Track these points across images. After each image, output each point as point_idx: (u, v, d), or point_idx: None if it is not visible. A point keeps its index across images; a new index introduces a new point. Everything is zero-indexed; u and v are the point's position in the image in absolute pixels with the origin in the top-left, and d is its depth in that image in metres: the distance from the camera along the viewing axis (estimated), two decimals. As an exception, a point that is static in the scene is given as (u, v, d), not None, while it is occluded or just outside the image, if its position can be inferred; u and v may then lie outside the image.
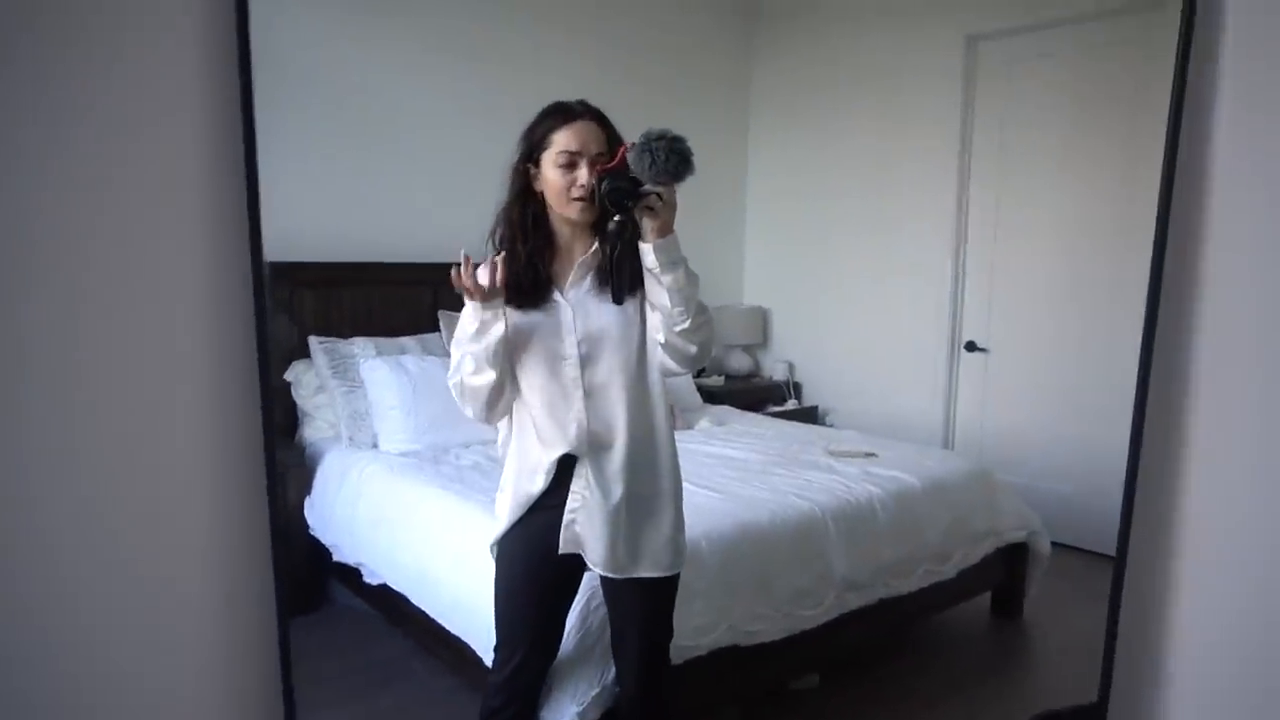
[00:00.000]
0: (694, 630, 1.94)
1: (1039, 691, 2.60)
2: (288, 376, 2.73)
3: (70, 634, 1.12)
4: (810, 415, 3.75)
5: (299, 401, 2.76)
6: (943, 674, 2.61)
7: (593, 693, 1.81)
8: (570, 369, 1.60)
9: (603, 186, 1.45)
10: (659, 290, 1.50)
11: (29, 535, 1.08)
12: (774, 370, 3.94)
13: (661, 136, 1.40)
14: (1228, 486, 1.42)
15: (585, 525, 1.61)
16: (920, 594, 2.51)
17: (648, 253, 1.46)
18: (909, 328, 3.47)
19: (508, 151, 1.64)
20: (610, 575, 1.64)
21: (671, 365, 1.58)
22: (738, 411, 3.46)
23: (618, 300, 1.55)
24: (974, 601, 2.82)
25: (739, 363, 3.93)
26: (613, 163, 1.47)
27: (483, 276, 1.52)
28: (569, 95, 1.61)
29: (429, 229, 2.89)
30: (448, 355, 2.92)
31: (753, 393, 3.79)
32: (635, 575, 1.64)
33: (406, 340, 2.89)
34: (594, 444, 1.60)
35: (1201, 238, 1.41)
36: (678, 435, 1.71)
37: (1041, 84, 3.04)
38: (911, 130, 3.45)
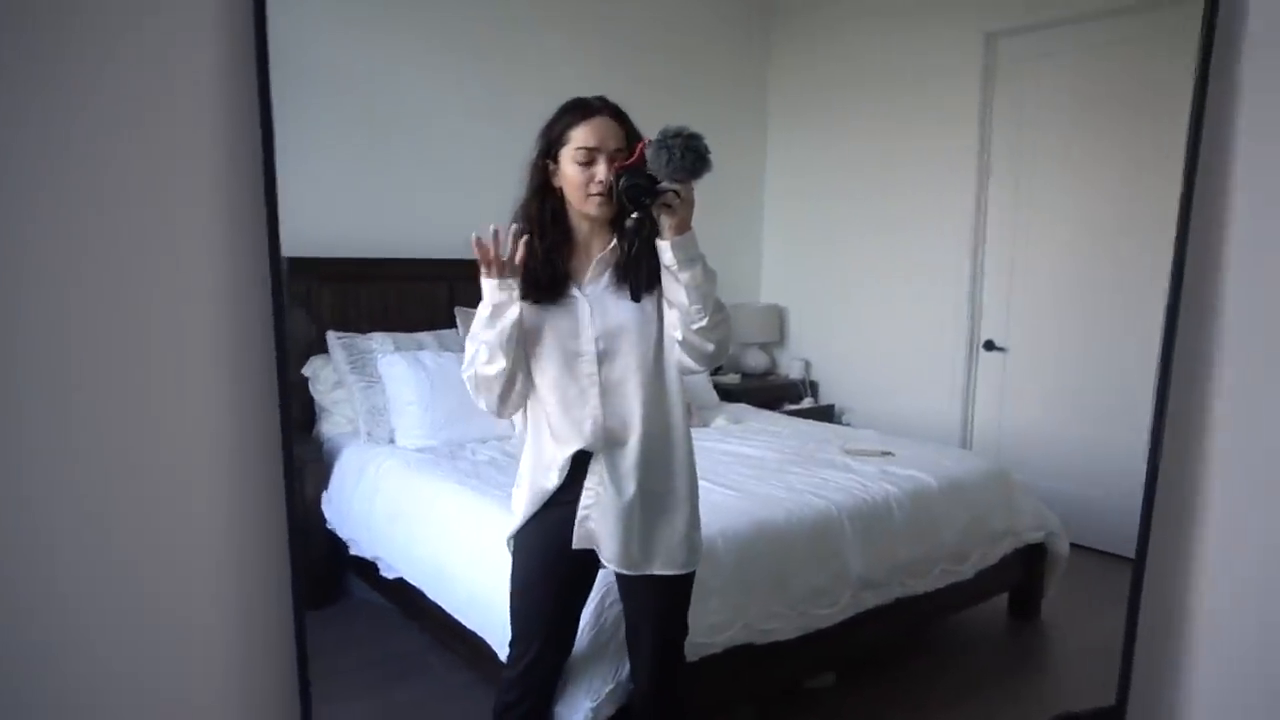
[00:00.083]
0: (709, 628, 1.94)
1: (1056, 693, 2.58)
2: (306, 371, 2.75)
3: (89, 629, 1.12)
4: (827, 414, 3.73)
5: (317, 396, 2.78)
6: (960, 674, 2.60)
7: (607, 689, 1.81)
8: (586, 365, 1.60)
9: (620, 183, 1.45)
10: (676, 287, 1.49)
11: (49, 530, 1.09)
12: (790, 368, 3.92)
13: (679, 134, 1.40)
14: (1248, 488, 1.40)
15: (599, 521, 1.62)
16: (937, 594, 2.50)
17: (665, 250, 1.46)
18: (927, 326, 3.45)
19: (525, 149, 1.64)
20: (624, 571, 1.64)
21: (689, 363, 1.58)
22: (754, 409, 3.45)
23: (636, 297, 1.55)
24: (991, 602, 2.81)
25: (755, 361, 3.91)
26: (631, 159, 1.47)
27: (505, 248, 1.51)
28: (586, 92, 1.61)
29: (446, 225, 2.88)
30: (464, 350, 2.94)
31: (769, 391, 3.78)
32: (649, 572, 1.64)
33: (424, 336, 2.90)
34: (609, 440, 1.60)
35: (1223, 237, 1.40)
36: (694, 433, 1.71)
37: (1061, 82, 3.02)
38: (930, 129, 3.43)
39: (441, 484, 2.39)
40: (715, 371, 3.61)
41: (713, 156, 1.41)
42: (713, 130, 1.42)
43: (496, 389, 1.59)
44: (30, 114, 1.03)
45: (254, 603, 1.19)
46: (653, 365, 1.60)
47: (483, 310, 1.57)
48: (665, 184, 1.42)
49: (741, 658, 2.05)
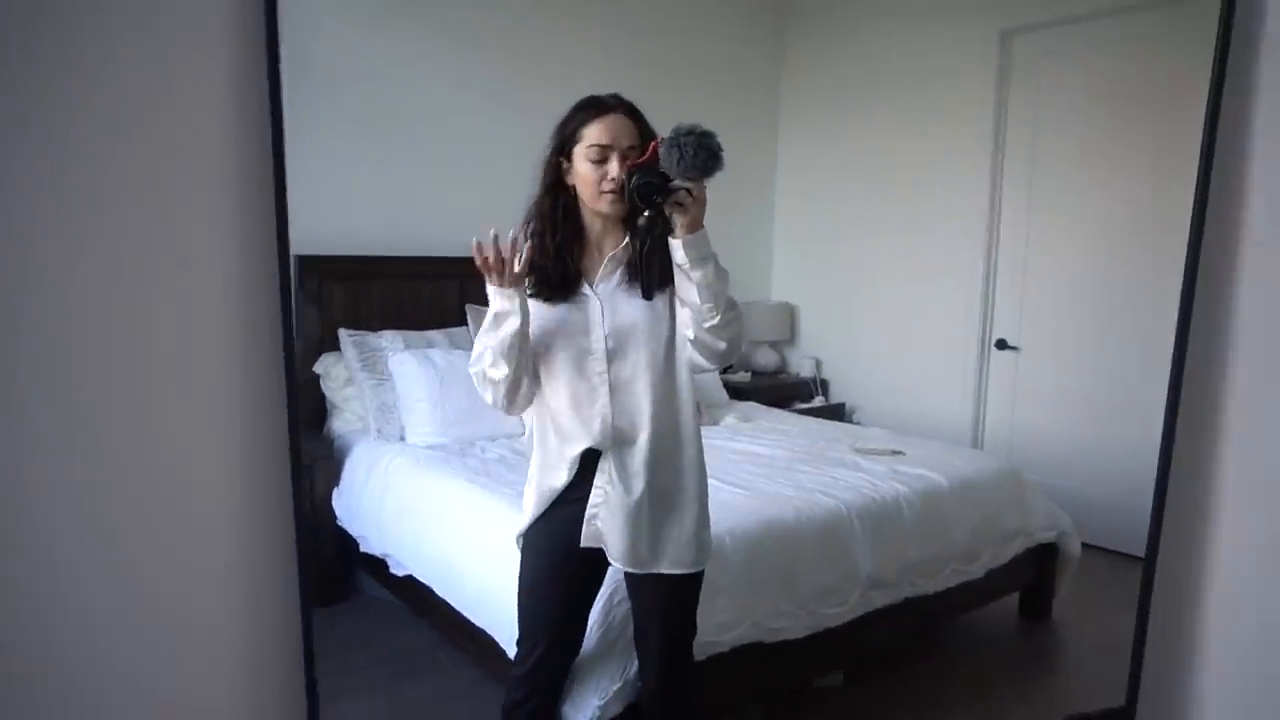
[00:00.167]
0: (717, 626, 1.94)
1: (1068, 693, 2.57)
2: (317, 369, 2.76)
3: (95, 628, 1.13)
4: (837, 412, 3.73)
5: (328, 394, 2.79)
6: (970, 675, 2.59)
7: (614, 687, 1.81)
8: (596, 363, 1.60)
9: (632, 181, 1.44)
10: (689, 286, 1.49)
11: (55, 529, 1.09)
12: (801, 367, 3.92)
13: (691, 132, 1.39)
14: (1260, 489, 1.39)
15: (607, 520, 1.61)
16: (947, 594, 2.49)
17: (677, 248, 1.46)
18: (938, 325, 3.44)
19: (537, 146, 1.64)
20: (631, 570, 1.64)
21: (701, 361, 1.57)
22: (764, 408, 3.45)
23: (648, 296, 1.54)
24: (1002, 602, 2.79)
25: (766, 359, 3.91)
26: (643, 157, 1.46)
27: (506, 253, 1.49)
28: (599, 90, 1.61)
29: (457, 223, 2.88)
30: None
31: (779, 389, 3.77)
32: (657, 571, 1.64)
33: (434, 334, 2.91)
34: (618, 439, 1.60)
35: (1238, 237, 1.38)
36: (703, 431, 1.71)
37: (1076, 81, 3.00)
38: (944, 127, 3.41)
39: (451, 481, 2.40)
40: (725, 370, 3.61)
41: (725, 154, 1.41)
42: (724, 128, 1.42)
43: (502, 390, 1.60)
44: (36, 112, 1.04)
45: (262, 601, 1.19)
46: (663, 364, 1.60)
47: (488, 315, 1.57)
48: (677, 182, 1.41)
49: (750, 656, 2.05)
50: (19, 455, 1.06)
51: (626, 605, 1.81)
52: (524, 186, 1.66)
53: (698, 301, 1.49)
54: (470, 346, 2.95)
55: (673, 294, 1.56)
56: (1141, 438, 1.67)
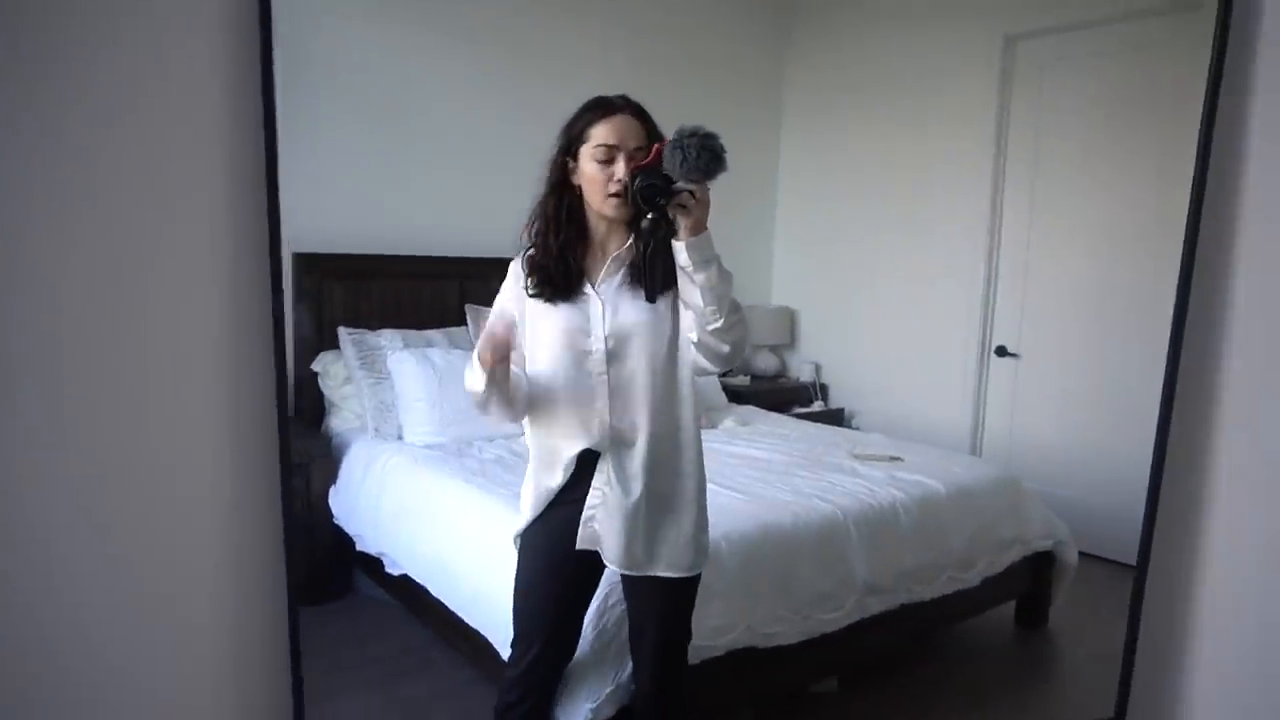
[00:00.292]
0: (711, 630, 1.93)
1: (1063, 702, 2.56)
2: (316, 366, 2.76)
3: (83, 624, 1.12)
4: (837, 417, 3.72)
5: (326, 392, 2.79)
6: (966, 683, 2.58)
7: (607, 690, 1.81)
8: (596, 364, 1.59)
9: (635, 183, 1.44)
10: (692, 289, 1.48)
11: (44, 525, 1.09)
12: (801, 371, 3.91)
13: (694, 133, 1.39)
14: (1254, 498, 1.39)
15: (603, 522, 1.61)
16: (943, 601, 2.48)
17: (680, 250, 1.45)
18: (939, 331, 3.43)
19: (539, 149, 1.64)
20: (627, 572, 1.63)
21: (705, 364, 1.56)
22: (763, 412, 3.44)
23: (650, 298, 1.54)
24: (998, 610, 2.79)
25: (765, 363, 3.90)
26: (647, 159, 1.46)
27: (482, 346, 1.51)
28: (598, 88, 1.61)
29: (458, 223, 2.91)
30: (474, 348, 2.94)
31: (779, 393, 3.77)
32: (653, 573, 1.63)
33: (433, 333, 2.91)
34: (616, 440, 1.60)
35: (1234, 241, 1.38)
36: (701, 434, 1.70)
37: (1080, 86, 2.99)
38: (946, 131, 3.41)
39: (448, 481, 2.40)
40: (725, 373, 3.60)
41: (727, 156, 1.40)
42: (725, 128, 1.41)
43: (502, 420, 1.63)
44: (26, 104, 1.03)
45: (250, 599, 1.19)
46: (664, 366, 1.59)
47: (469, 382, 1.57)
48: (681, 184, 1.41)
49: (744, 661, 2.04)
50: (7, 451, 1.06)
51: (620, 608, 1.80)
52: (526, 187, 1.66)
53: (701, 304, 1.48)
54: (469, 346, 2.94)
55: (675, 296, 1.56)
56: (1141, 446, 1.66)
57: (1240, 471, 1.40)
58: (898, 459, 2.78)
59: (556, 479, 1.62)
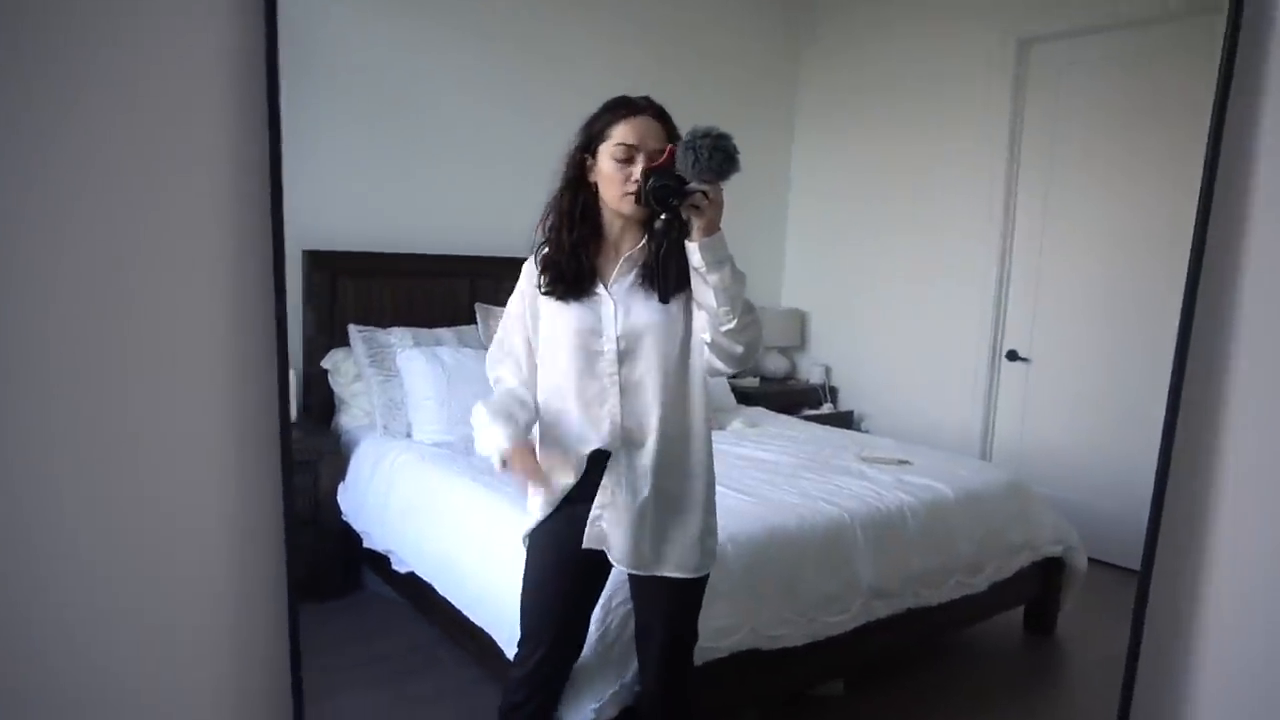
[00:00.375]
0: (716, 632, 1.93)
1: (1071, 708, 2.55)
2: (326, 364, 2.77)
3: (81, 623, 1.12)
4: (846, 420, 3.71)
5: (336, 389, 2.80)
6: (973, 687, 2.57)
7: (610, 690, 1.81)
8: (608, 365, 1.59)
9: (648, 184, 1.44)
10: (705, 289, 1.48)
11: (42, 524, 1.08)
12: (810, 373, 3.90)
13: (707, 134, 1.39)
14: (1261, 502, 1.37)
15: (611, 521, 1.61)
16: (950, 605, 2.48)
17: (694, 251, 1.45)
18: (950, 335, 3.42)
19: (550, 146, 1.65)
20: (634, 571, 1.64)
21: (718, 365, 1.56)
22: (771, 414, 3.44)
23: (664, 299, 1.54)
24: (1006, 615, 2.78)
25: (775, 365, 3.90)
26: (660, 160, 1.46)
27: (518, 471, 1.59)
28: (612, 91, 1.61)
29: (469, 222, 2.92)
30: (483, 348, 2.94)
31: (788, 395, 3.76)
32: (660, 573, 1.63)
33: (443, 331, 2.92)
34: (626, 441, 1.60)
35: (1241, 246, 1.37)
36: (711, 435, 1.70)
37: (1094, 91, 2.97)
38: (959, 134, 3.40)
39: (455, 480, 2.40)
40: (735, 375, 3.60)
41: (740, 157, 1.40)
42: (737, 129, 1.41)
43: None
44: (24, 104, 1.02)
45: (251, 598, 1.18)
46: (675, 367, 1.59)
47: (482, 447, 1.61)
48: (694, 185, 1.41)
49: (748, 663, 2.04)
50: (6, 450, 1.06)
51: (624, 608, 1.81)
52: (537, 185, 1.66)
53: (714, 305, 1.48)
54: (478, 345, 2.96)
55: (689, 297, 1.55)
56: (1152, 452, 1.65)
57: (1246, 475, 1.38)
58: (906, 462, 2.78)
59: (568, 478, 1.62)
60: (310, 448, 2.51)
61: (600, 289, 1.60)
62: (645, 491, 1.59)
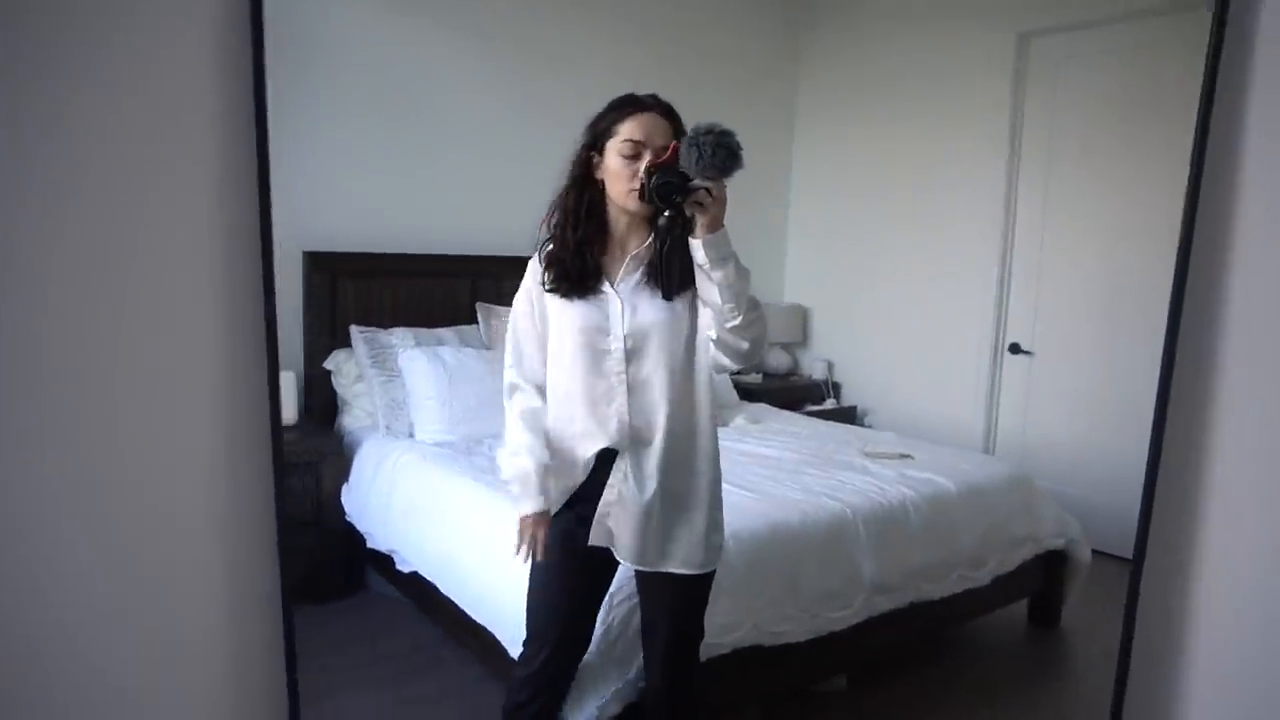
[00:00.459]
0: (718, 628, 1.93)
1: (1075, 701, 2.54)
2: (328, 365, 2.78)
3: (76, 624, 1.12)
4: (849, 415, 3.71)
5: (339, 389, 2.81)
6: (976, 681, 2.57)
7: (613, 688, 1.81)
8: (615, 363, 1.59)
9: (652, 181, 1.44)
10: (709, 286, 1.48)
11: (35, 526, 1.07)
12: (813, 369, 3.91)
13: (709, 131, 1.39)
14: (1251, 496, 1.37)
15: (618, 519, 1.61)
16: (953, 599, 2.47)
17: (698, 248, 1.45)
18: (952, 329, 3.42)
19: (551, 149, 1.65)
20: (639, 568, 1.64)
21: (724, 361, 1.56)
22: (774, 409, 3.44)
23: (668, 296, 1.54)
24: (1010, 609, 2.78)
25: (778, 361, 3.90)
26: (663, 157, 1.46)
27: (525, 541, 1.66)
28: (613, 92, 1.61)
29: (470, 223, 2.92)
30: (485, 348, 2.95)
31: (791, 391, 3.77)
32: (665, 570, 1.63)
33: (444, 331, 2.92)
34: (634, 439, 1.60)
35: (1229, 241, 1.36)
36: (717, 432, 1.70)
37: (1094, 85, 2.97)
38: (960, 129, 3.40)
39: (458, 479, 2.41)
40: (738, 371, 3.60)
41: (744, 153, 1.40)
42: (738, 126, 1.41)
43: None
44: (11, 103, 1.02)
45: (246, 600, 1.18)
46: (681, 365, 1.59)
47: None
48: (697, 181, 1.41)
49: (750, 659, 2.04)
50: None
51: (628, 605, 1.81)
52: (538, 185, 1.66)
53: (719, 302, 1.48)
54: (480, 345, 2.97)
55: (694, 295, 1.55)
56: (1153, 445, 1.65)
57: (1237, 469, 1.38)
58: (908, 457, 2.78)
59: (575, 478, 1.63)
60: (312, 449, 2.52)
61: (606, 287, 1.60)
62: (651, 489, 1.59)
